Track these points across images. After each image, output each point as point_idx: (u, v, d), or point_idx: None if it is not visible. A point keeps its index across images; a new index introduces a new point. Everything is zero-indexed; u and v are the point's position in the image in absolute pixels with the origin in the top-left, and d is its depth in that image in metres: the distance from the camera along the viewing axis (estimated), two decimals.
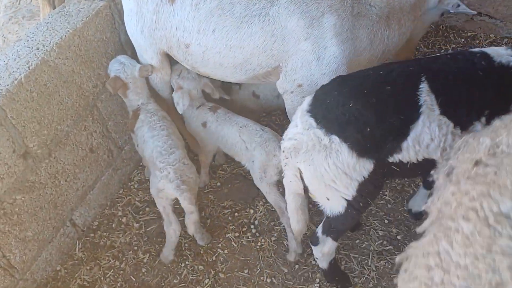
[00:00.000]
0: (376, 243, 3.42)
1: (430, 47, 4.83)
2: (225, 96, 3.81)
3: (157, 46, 3.27)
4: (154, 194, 3.25)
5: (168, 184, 3.10)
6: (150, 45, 3.28)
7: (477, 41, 4.76)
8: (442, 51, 4.77)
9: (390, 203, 3.64)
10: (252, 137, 3.28)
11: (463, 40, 4.85)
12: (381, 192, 3.71)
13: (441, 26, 5.00)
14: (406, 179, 3.71)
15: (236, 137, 3.36)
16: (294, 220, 2.94)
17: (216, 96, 3.64)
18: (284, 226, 3.52)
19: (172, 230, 3.32)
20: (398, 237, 3.45)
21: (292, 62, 2.98)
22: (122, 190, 3.97)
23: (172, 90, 3.59)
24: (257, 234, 3.59)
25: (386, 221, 3.55)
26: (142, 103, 3.41)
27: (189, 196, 3.10)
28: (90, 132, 3.51)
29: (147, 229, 3.70)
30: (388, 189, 3.71)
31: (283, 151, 2.64)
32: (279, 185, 3.32)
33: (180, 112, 3.48)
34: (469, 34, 4.87)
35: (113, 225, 3.74)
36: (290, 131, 2.61)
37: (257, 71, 3.12)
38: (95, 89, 3.45)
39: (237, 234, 3.60)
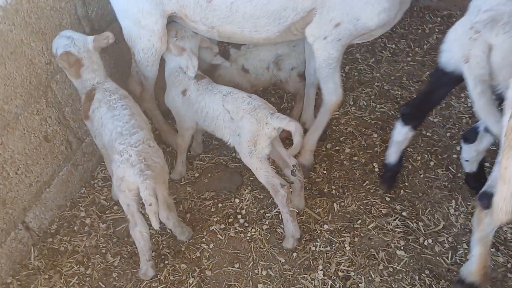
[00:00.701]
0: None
1: (406, 28, 4.65)
2: (225, 62, 3.44)
3: (164, 7, 2.87)
4: (115, 187, 2.73)
5: (129, 170, 2.54)
6: (157, 6, 2.87)
7: (454, 19, 4.61)
8: (419, 31, 4.59)
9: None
10: (239, 105, 2.87)
11: (439, 19, 4.71)
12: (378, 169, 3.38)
13: (415, 7, 4.85)
14: None
15: (219, 107, 2.94)
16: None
17: (216, 50, 3.30)
18: (276, 211, 3.11)
19: (138, 233, 2.74)
20: (404, 214, 3.10)
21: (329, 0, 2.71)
22: (84, 189, 3.43)
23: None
24: (246, 224, 3.14)
25: (387, 199, 3.20)
26: (98, 82, 2.87)
27: (152, 185, 2.52)
28: (44, 117, 3.00)
29: (116, 229, 3.17)
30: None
31: (472, 27, 2.27)
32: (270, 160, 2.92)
33: (192, 75, 3.09)
34: (445, 13, 4.73)
35: (75, 228, 3.19)
36: (487, 3, 2.31)
37: (291, 18, 2.80)
38: (48, 66, 2.97)
39: (222, 226, 3.14)
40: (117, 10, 3.06)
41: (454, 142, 3.50)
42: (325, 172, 3.40)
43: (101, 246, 3.09)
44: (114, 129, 2.68)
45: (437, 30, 4.58)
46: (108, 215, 3.26)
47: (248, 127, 2.81)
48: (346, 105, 3.90)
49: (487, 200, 2.33)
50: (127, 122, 2.69)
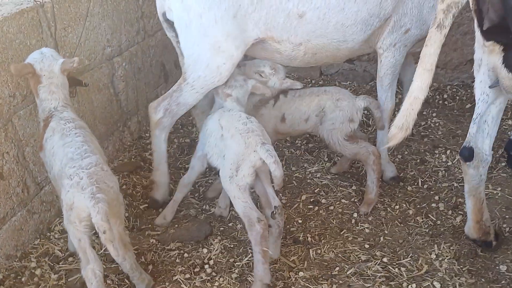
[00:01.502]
0: None
1: None
2: (296, 84, 3.29)
3: (248, 33, 2.96)
4: (65, 220, 2.46)
5: (78, 194, 2.31)
6: (241, 32, 2.93)
7: None
8: None
9: None
10: (233, 122, 2.76)
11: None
12: None
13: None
14: None
15: (215, 123, 2.86)
16: None
17: (269, 93, 3.18)
18: (247, 259, 2.86)
19: (90, 271, 2.41)
20: (384, 260, 2.88)
21: (403, 6, 3.00)
22: (39, 240, 3.14)
23: None
24: (214, 274, 2.86)
25: (367, 246, 2.99)
26: (55, 107, 2.71)
27: (105, 209, 2.27)
28: (1, 151, 2.83)
29: (69, 280, 2.84)
30: None
31: None
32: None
33: None
34: None
35: (23, 279, 2.85)
36: None
37: (374, 26, 3.05)
38: (12, 99, 2.88)
39: (187, 276, 2.85)
40: (192, 35, 3.01)
41: (431, 193, 3.39)
42: (300, 221, 3.21)
43: None
44: (64, 156, 2.50)
45: None
46: (61, 265, 2.95)
47: (234, 148, 2.69)
48: (321, 160, 3.82)
49: (467, 154, 2.63)
50: (78, 148, 2.51)
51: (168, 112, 3.18)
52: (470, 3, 2.28)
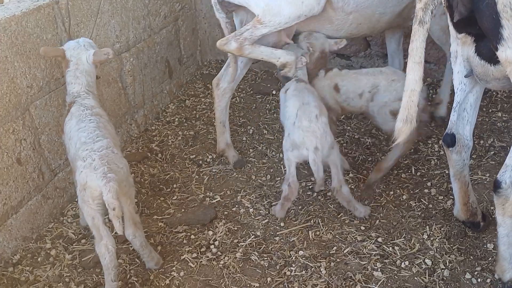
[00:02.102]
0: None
1: None
2: (343, 42, 3.57)
3: None
4: (79, 200, 2.64)
5: (91, 174, 2.51)
6: None
7: None
8: None
9: None
10: (305, 116, 3.07)
11: None
12: None
13: None
14: None
15: (294, 110, 3.15)
16: None
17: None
18: (250, 240, 3.05)
19: (103, 247, 2.60)
20: (379, 240, 3.06)
21: None
22: (53, 223, 3.32)
23: None
24: (219, 253, 3.04)
25: (363, 228, 3.17)
26: (78, 92, 2.91)
27: (115, 187, 2.47)
28: (19, 138, 3.02)
29: (82, 259, 3.02)
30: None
31: None
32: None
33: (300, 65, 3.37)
34: None
35: (39, 259, 3.04)
36: None
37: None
38: (29, 89, 3.07)
39: (194, 255, 3.04)
40: None
41: (424, 179, 3.58)
42: (299, 207, 3.39)
43: (64, 276, 2.92)
44: (78, 140, 2.70)
45: None
46: (75, 246, 3.13)
47: (296, 139, 3.05)
48: None
49: (449, 140, 2.81)
50: (91, 133, 2.70)
51: (244, 40, 3.35)
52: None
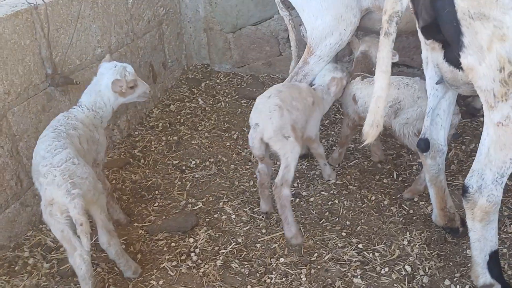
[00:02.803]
0: None
1: None
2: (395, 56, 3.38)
3: (361, 3, 3.46)
4: (45, 214, 2.56)
5: (56, 191, 2.45)
6: (357, 3, 3.43)
7: None
8: None
9: None
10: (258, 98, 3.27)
11: None
12: None
13: None
14: None
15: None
16: None
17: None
18: (231, 248, 3.03)
19: (78, 258, 2.53)
20: (360, 246, 3.05)
21: None
22: (32, 231, 3.28)
23: None
24: (199, 261, 3.02)
25: (344, 234, 3.17)
26: (79, 102, 3.04)
27: (80, 203, 2.43)
28: None
29: (60, 268, 2.98)
30: None
31: None
32: None
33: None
34: None
35: (16, 268, 2.99)
36: None
37: None
38: (6, 96, 3.03)
39: (174, 263, 3.01)
40: (315, 10, 3.47)
41: (406, 185, 3.58)
42: None
43: (42, 285, 2.88)
44: (37, 154, 2.64)
45: None
46: (53, 255, 3.09)
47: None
48: (304, 156, 4.00)
49: (423, 145, 2.84)
50: (50, 144, 2.63)
51: None
52: (410, 6, 2.49)
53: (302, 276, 2.85)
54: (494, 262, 2.55)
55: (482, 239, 2.48)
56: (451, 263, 2.90)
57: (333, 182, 3.64)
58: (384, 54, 2.42)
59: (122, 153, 4.14)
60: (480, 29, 2.11)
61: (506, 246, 2.98)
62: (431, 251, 2.97)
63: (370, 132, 2.45)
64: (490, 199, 2.35)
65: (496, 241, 2.52)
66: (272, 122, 2.99)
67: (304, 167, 3.86)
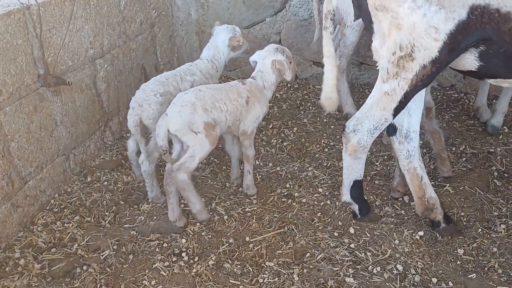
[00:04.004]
0: None
1: None
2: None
3: None
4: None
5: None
6: None
7: None
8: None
9: None
10: None
11: None
12: None
13: (355, 83, 5.28)
14: None
15: None
16: None
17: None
18: (224, 248, 3.03)
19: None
20: (352, 245, 3.07)
21: None
22: (23, 232, 3.26)
23: None
24: (191, 261, 3.01)
25: (336, 234, 3.18)
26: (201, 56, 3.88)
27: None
28: None
29: (52, 269, 2.96)
30: None
31: None
32: None
33: None
34: None
35: (7, 269, 2.97)
36: None
37: None
38: None
39: (166, 264, 3.00)
40: None
41: None
42: (273, 214, 3.39)
43: (33, 286, 2.86)
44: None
45: None
46: (44, 256, 3.07)
47: None
48: (294, 158, 4.02)
49: (390, 129, 3.11)
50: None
51: (342, 57, 4.30)
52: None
53: (294, 276, 2.85)
54: (355, 187, 3.18)
55: (349, 168, 3.12)
56: (442, 262, 2.92)
57: (325, 183, 3.66)
58: (325, 42, 2.93)
59: (114, 155, 4.13)
60: (382, 19, 2.62)
61: (496, 245, 3.01)
62: (422, 250, 2.99)
63: (326, 104, 2.96)
64: (360, 142, 2.95)
65: (361, 174, 3.15)
66: (180, 115, 3.06)
67: (296, 168, 3.88)
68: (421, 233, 3.13)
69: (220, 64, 3.80)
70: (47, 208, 3.49)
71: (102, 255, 3.06)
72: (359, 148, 2.98)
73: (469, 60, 2.66)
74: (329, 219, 3.32)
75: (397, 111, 2.84)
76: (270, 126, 4.52)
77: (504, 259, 2.90)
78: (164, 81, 3.49)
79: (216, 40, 3.79)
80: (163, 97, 3.38)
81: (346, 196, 3.22)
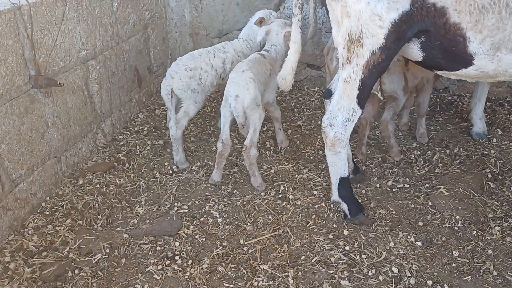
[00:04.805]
0: None
1: None
2: None
3: None
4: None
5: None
6: None
7: None
8: None
9: None
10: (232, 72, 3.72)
11: None
12: None
13: None
14: None
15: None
16: None
17: None
18: (218, 251, 3.00)
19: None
20: (347, 248, 3.05)
21: None
22: (13, 236, 3.20)
23: None
24: (185, 265, 2.98)
25: (331, 236, 3.16)
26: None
27: None
28: None
29: (43, 273, 2.91)
30: None
31: None
32: None
33: None
34: None
35: None
36: None
37: None
38: None
39: (160, 267, 2.96)
40: None
41: (394, 190, 3.60)
42: (268, 216, 3.36)
43: None
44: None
45: None
46: (35, 259, 3.01)
47: (225, 91, 3.66)
48: (289, 160, 4.00)
49: (327, 93, 3.52)
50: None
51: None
52: None
53: (289, 279, 2.83)
54: (342, 186, 3.21)
55: (333, 165, 3.19)
56: (437, 265, 2.90)
57: (319, 185, 3.65)
58: (293, 29, 3.25)
59: (107, 157, 4.09)
60: (335, 7, 2.85)
61: (491, 247, 3.00)
62: (417, 253, 2.98)
63: (281, 82, 3.33)
64: (336, 135, 3.03)
65: (345, 170, 3.19)
66: (249, 92, 3.44)
67: (291, 170, 3.85)
68: (416, 235, 3.11)
69: (254, 43, 4.14)
70: (38, 211, 3.44)
71: (94, 259, 3.01)
72: (336, 141, 3.05)
73: (414, 51, 2.88)
74: (324, 222, 3.30)
75: (360, 99, 2.95)
76: (265, 128, 4.49)
77: (499, 261, 2.89)
78: (197, 56, 3.87)
79: (251, 21, 4.19)
80: (193, 71, 3.77)
81: (335, 195, 3.27)
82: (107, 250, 3.09)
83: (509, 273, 2.81)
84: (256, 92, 3.46)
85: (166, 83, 3.76)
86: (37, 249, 3.10)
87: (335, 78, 3.50)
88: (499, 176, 3.68)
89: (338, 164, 3.17)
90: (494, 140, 4.17)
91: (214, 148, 4.19)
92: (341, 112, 3.00)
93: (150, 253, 3.08)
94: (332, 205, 3.40)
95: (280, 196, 3.57)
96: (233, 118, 3.54)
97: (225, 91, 3.53)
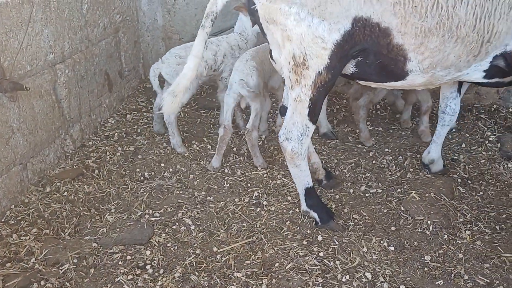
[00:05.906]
0: None
1: None
2: None
3: None
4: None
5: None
6: None
7: None
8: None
9: None
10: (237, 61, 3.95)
11: (344, 101, 5.14)
12: None
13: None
14: None
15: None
16: None
17: None
18: (190, 260, 2.94)
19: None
20: (321, 254, 3.03)
21: None
22: None
23: None
24: (156, 274, 2.90)
25: (305, 242, 3.14)
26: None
27: None
28: None
29: (6, 285, 2.79)
30: None
31: None
32: None
33: None
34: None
35: None
36: None
37: None
38: None
39: (130, 277, 2.88)
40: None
41: (366, 195, 3.61)
42: (242, 223, 3.33)
43: None
44: None
45: None
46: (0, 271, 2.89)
47: (230, 78, 3.92)
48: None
49: (282, 110, 3.50)
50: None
51: None
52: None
53: (263, 287, 2.79)
54: (308, 195, 3.24)
55: (296, 176, 3.21)
56: (410, 269, 2.92)
57: (292, 190, 3.63)
58: (197, 42, 3.02)
59: (75, 164, 3.97)
60: (274, 31, 2.80)
61: (462, 251, 3.04)
62: (390, 258, 2.99)
63: (167, 100, 2.98)
64: (293, 150, 3.03)
65: (309, 181, 3.22)
66: (253, 79, 3.69)
67: (265, 176, 3.83)
68: (389, 240, 3.13)
69: (249, 36, 4.24)
70: (2, 220, 3.31)
71: (61, 269, 2.91)
72: (294, 155, 3.05)
73: (347, 67, 2.93)
74: (298, 228, 3.28)
75: (312, 116, 2.96)
76: (239, 134, 4.46)
77: (469, 265, 2.93)
78: (190, 47, 3.78)
79: (241, 14, 4.23)
80: (182, 59, 3.85)
81: (303, 205, 3.29)
82: (75, 260, 2.99)
83: (479, 276, 2.84)
84: (259, 80, 3.70)
85: (155, 66, 4.04)
86: (0, 260, 2.98)
87: (284, 94, 3.49)
88: (469, 181, 3.74)
89: (301, 175, 3.18)
90: (463, 145, 4.25)
91: (187, 154, 4.14)
92: (295, 127, 2.99)
93: (120, 262, 2.99)
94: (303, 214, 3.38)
95: (254, 202, 3.54)
96: (234, 106, 3.80)
97: (230, 79, 3.78)
